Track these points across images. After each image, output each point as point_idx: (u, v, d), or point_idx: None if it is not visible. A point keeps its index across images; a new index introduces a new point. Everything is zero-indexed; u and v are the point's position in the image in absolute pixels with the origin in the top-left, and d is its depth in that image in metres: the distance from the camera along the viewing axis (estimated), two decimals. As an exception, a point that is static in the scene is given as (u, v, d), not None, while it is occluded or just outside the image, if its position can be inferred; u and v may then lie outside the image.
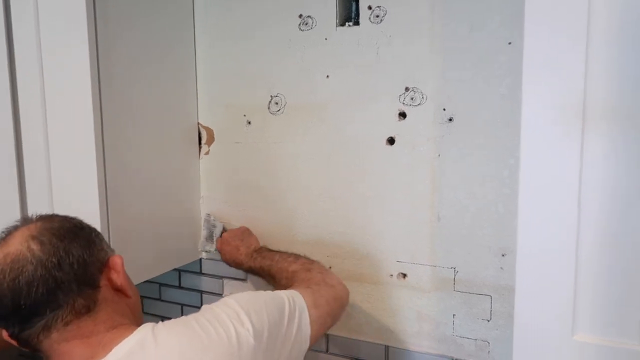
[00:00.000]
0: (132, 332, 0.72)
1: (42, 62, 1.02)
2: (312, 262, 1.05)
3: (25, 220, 0.76)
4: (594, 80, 0.66)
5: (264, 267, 1.08)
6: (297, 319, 0.84)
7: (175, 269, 1.34)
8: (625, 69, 0.65)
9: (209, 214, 1.30)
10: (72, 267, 0.71)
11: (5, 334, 0.73)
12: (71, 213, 0.81)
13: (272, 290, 0.92)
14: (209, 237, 1.28)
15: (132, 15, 1.08)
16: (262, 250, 1.13)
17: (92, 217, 0.99)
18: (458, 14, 0.99)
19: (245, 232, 1.21)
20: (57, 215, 0.78)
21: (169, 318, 0.78)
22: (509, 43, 0.95)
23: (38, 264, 0.69)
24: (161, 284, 1.42)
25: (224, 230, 1.28)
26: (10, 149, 1.07)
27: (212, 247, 1.27)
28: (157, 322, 0.76)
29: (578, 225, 0.68)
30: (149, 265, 1.17)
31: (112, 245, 1.02)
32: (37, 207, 1.02)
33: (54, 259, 0.70)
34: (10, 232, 0.74)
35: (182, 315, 1.35)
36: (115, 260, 0.78)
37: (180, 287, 1.40)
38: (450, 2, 0.99)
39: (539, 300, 0.71)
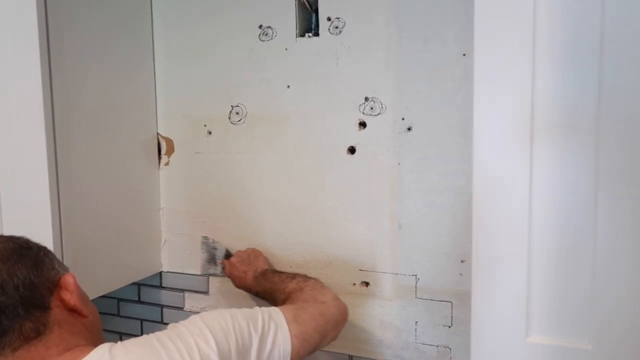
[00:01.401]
0: (87, 354, 0.70)
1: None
2: (307, 280, 1.02)
3: None
4: (541, 92, 0.69)
5: (267, 291, 1.05)
6: (272, 334, 0.81)
7: (134, 283, 1.31)
8: (568, 82, 0.68)
9: (206, 237, 1.26)
10: (18, 290, 0.68)
11: None
12: (22, 227, 0.78)
13: None
14: (211, 260, 1.26)
15: (87, 29, 1.06)
16: (267, 273, 1.09)
17: (43, 228, 0.97)
18: (413, 26, 1.01)
19: (252, 255, 1.16)
20: (0, 236, 0.75)
21: (129, 334, 0.76)
22: (464, 55, 0.98)
23: None
24: (119, 299, 1.38)
25: (228, 252, 1.24)
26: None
27: (216, 270, 1.25)
28: (115, 341, 0.73)
29: (529, 230, 0.70)
30: (106, 280, 1.14)
31: (65, 259, 0.99)
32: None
33: None
34: None
35: (141, 331, 1.33)
36: (68, 279, 0.74)
37: (139, 301, 1.36)
38: (406, 15, 1.02)
39: (494, 305, 0.73)
